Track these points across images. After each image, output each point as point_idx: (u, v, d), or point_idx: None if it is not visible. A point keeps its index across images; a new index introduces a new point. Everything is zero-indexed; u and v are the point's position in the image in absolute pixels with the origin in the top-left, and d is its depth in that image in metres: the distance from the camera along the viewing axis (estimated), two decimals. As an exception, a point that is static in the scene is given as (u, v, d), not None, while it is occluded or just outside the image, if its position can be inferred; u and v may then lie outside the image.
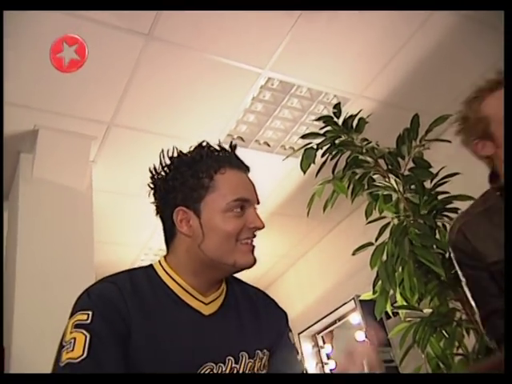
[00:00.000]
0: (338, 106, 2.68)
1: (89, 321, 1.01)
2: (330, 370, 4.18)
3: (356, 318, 3.72)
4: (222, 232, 1.11)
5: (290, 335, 1.26)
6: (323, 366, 4.20)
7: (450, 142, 2.15)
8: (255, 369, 1.15)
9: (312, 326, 4.19)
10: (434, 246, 2.31)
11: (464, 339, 2.24)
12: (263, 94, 2.98)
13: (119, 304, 1.05)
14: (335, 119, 2.64)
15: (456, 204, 2.38)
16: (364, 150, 2.55)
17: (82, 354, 0.96)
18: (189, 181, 1.14)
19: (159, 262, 1.19)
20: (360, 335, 3.67)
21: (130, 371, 1.01)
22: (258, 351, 1.16)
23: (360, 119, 2.63)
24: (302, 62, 2.80)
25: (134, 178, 3.20)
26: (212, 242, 1.12)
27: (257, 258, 1.16)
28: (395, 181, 2.50)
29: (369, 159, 2.55)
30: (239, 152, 1.22)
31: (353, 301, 3.67)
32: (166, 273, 1.16)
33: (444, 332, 2.27)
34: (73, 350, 0.97)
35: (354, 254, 2.53)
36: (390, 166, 2.54)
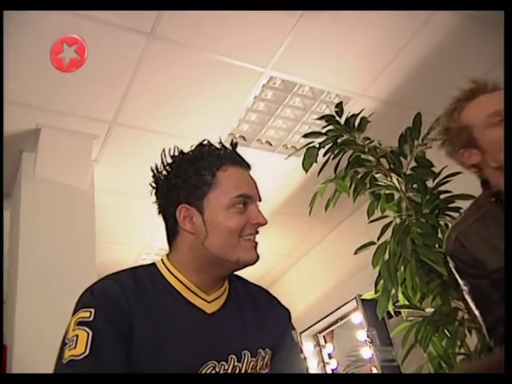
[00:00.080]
0: (340, 105, 2.68)
1: (91, 318, 1.01)
2: (332, 369, 4.18)
3: (358, 317, 3.72)
4: (225, 228, 1.12)
5: (293, 333, 1.26)
6: (325, 366, 4.20)
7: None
8: (257, 367, 1.15)
9: (313, 325, 4.19)
10: (437, 245, 2.30)
11: (466, 339, 2.24)
12: (265, 93, 2.98)
13: (122, 302, 1.05)
14: (337, 118, 2.64)
15: (458, 203, 2.37)
16: (366, 149, 2.55)
17: (85, 352, 0.96)
18: (191, 178, 1.14)
19: (162, 260, 1.19)
20: (362, 335, 3.67)
21: (132, 369, 1.01)
22: (261, 350, 1.16)
23: (362, 118, 2.63)
24: (304, 61, 2.80)
25: (136, 177, 3.20)
26: (215, 238, 1.12)
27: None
28: (397, 180, 2.50)
29: (371, 158, 2.55)
30: (241, 151, 1.22)
31: (354, 300, 3.66)
32: (169, 271, 1.16)
33: (446, 331, 2.27)
34: (75, 347, 0.97)
35: (355, 253, 2.53)
36: (392, 165, 2.54)
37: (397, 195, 2.52)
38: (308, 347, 4.27)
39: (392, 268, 2.33)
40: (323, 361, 4.22)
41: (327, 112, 2.99)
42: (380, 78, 2.99)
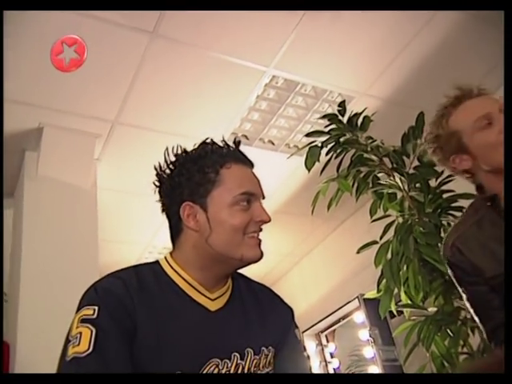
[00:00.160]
0: (342, 104, 2.68)
1: (95, 316, 1.01)
2: (334, 368, 4.17)
3: (360, 316, 3.71)
4: (229, 226, 1.12)
5: (296, 331, 1.26)
6: (327, 365, 4.19)
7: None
8: (260, 365, 1.15)
9: (316, 324, 4.18)
10: (439, 245, 2.30)
11: (469, 338, 2.24)
12: (268, 92, 2.97)
13: (126, 300, 1.05)
14: (340, 117, 2.64)
15: (461, 202, 2.37)
16: (369, 149, 2.55)
17: (88, 349, 0.97)
18: (195, 176, 1.14)
19: (165, 258, 1.19)
20: (364, 334, 3.67)
21: (135, 367, 1.01)
22: (264, 348, 1.16)
23: (365, 117, 2.63)
24: (306, 60, 2.80)
25: (139, 176, 3.20)
26: (219, 236, 1.12)
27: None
28: (400, 179, 2.50)
29: (373, 157, 2.55)
30: (243, 150, 1.23)
31: (357, 299, 3.66)
32: (173, 269, 1.16)
33: (449, 331, 2.27)
34: (79, 345, 0.97)
35: (358, 253, 2.53)
36: (394, 165, 2.54)
37: (399, 194, 2.52)
38: (310, 346, 4.26)
39: (394, 267, 2.33)
40: (325, 360, 4.22)
41: (329, 111, 2.99)
42: (382, 77, 2.98)
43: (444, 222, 2.39)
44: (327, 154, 2.59)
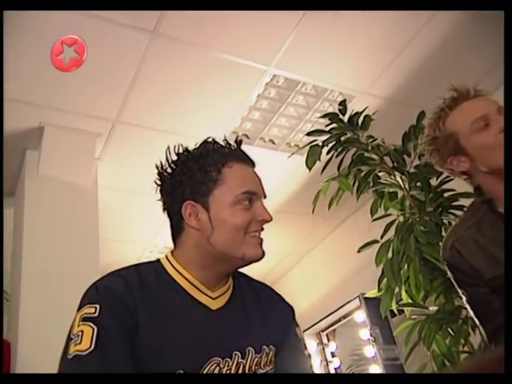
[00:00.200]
0: (343, 103, 2.68)
1: (96, 314, 1.01)
2: (335, 368, 4.18)
3: (361, 315, 3.71)
4: (231, 225, 1.12)
5: (297, 330, 1.26)
6: (327, 364, 4.20)
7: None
8: (261, 364, 1.15)
9: (316, 323, 4.18)
10: (440, 243, 2.30)
11: (470, 337, 2.24)
12: (268, 91, 2.97)
13: (127, 299, 1.05)
14: (341, 116, 2.64)
15: (462, 201, 2.37)
16: (369, 148, 2.55)
17: (90, 347, 0.97)
18: (196, 175, 1.14)
19: (166, 257, 1.19)
20: (365, 333, 3.67)
21: (137, 366, 1.01)
22: (265, 346, 1.16)
23: (365, 116, 2.63)
24: (307, 59, 2.80)
25: (139, 175, 3.20)
26: (221, 235, 1.12)
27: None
28: (401, 178, 2.50)
29: (374, 156, 2.55)
30: (244, 149, 1.23)
31: (358, 298, 3.66)
32: (174, 267, 1.16)
33: (450, 329, 2.27)
34: (80, 343, 0.98)
35: (359, 252, 2.53)
36: (395, 164, 2.54)
37: (400, 193, 2.51)
38: (311, 346, 4.26)
39: (395, 266, 2.33)
40: (326, 359, 4.22)
41: (330, 110, 2.99)
42: (383, 76, 2.98)
43: (445, 221, 2.39)
44: (328, 153, 2.59)
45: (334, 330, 4.29)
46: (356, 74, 2.96)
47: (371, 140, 2.58)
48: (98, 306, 1.02)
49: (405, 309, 2.44)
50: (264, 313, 1.21)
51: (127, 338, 1.02)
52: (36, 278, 2.61)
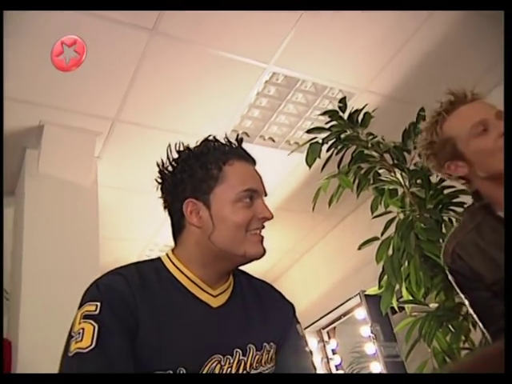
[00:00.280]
0: (343, 100, 2.68)
1: (97, 312, 1.01)
2: (335, 365, 4.18)
3: (361, 313, 3.72)
4: (232, 222, 1.12)
5: (298, 327, 1.26)
6: (328, 362, 4.20)
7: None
8: (262, 361, 1.15)
9: (317, 321, 4.19)
10: (440, 240, 2.30)
11: (470, 333, 2.23)
12: (268, 89, 2.97)
13: (128, 297, 1.05)
14: (340, 114, 2.64)
15: (462, 198, 2.37)
16: (369, 145, 2.55)
17: (91, 344, 0.97)
18: (198, 172, 1.15)
19: (167, 255, 1.19)
20: (365, 330, 3.67)
21: (138, 364, 1.01)
22: (265, 344, 1.17)
23: (365, 113, 2.62)
24: (306, 57, 2.79)
25: (139, 174, 3.20)
26: (222, 232, 1.12)
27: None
28: (401, 175, 2.50)
29: (374, 154, 2.55)
30: (244, 147, 1.23)
31: (358, 296, 3.66)
32: (175, 265, 1.16)
33: (450, 326, 2.27)
34: (81, 340, 0.98)
35: (359, 249, 2.53)
36: (395, 161, 2.54)
37: (400, 190, 2.51)
38: (311, 343, 4.27)
39: (396, 263, 2.33)
40: (327, 357, 4.23)
41: (330, 108, 2.99)
42: (383, 73, 2.98)
43: (445, 218, 2.39)
44: (328, 150, 2.59)
45: (335, 328, 4.29)
46: (356, 72, 2.96)
47: (371, 137, 2.57)
48: (98, 304, 1.02)
49: (405, 306, 2.44)
50: (264, 310, 1.22)
51: (128, 336, 1.02)
52: (36, 277, 2.62)
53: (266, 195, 1.19)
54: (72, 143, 2.93)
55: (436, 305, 2.31)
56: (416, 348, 2.33)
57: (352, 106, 2.73)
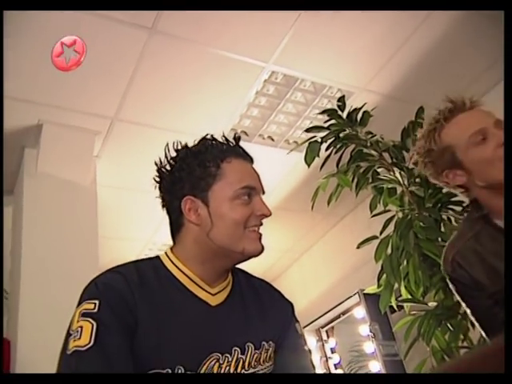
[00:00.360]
0: (342, 99, 2.68)
1: (95, 310, 1.02)
2: (334, 364, 4.18)
3: (360, 312, 3.72)
4: (231, 220, 1.12)
5: (297, 326, 1.26)
6: (327, 361, 4.20)
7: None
8: (261, 360, 1.15)
9: (316, 320, 4.19)
10: (439, 239, 2.30)
11: (469, 332, 2.24)
12: (267, 88, 2.97)
13: (127, 296, 1.05)
14: (339, 112, 2.64)
15: (461, 197, 2.36)
16: (368, 144, 2.55)
17: (89, 342, 0.97)
18: (196, 170, 1.15)
19: (166, 253, 1.20)
20: (364, 329, 3.67)
21: (136, 362, 1.01)
22: (264, 342, 1.17)
23: (364, 112, 2.63)
24: (305, 56, 2.79)
25: (138, 173, 3.20)
26: (220, 229, 1.13)
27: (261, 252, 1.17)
28: (400, 174, 2.50)
29: (373, 152, 2.55)
30: (243, 146, 1.23)
31: (357, 295, 3.66)
32: (173, 263, 1.16)
33: (449, 325, 2.27)
34: (80, 338, 0.98)
35: (358, 248, 2.53)
36: (394, 160, 2.54)
37: (399, 189, 2.52)
38: (310, 342, 4.27)
39: (395, 262, 2.33)
40: (326, 355, 4.23)
41: (329, 107, 2.98)
42: (382, 72, 2.98)
43: (444, 217, 2.39)
44: (327, 149, 2.59)
45: (334, 327, 4.29)
46: (355, 71, 2.96)
47: (370, 136, 2.58)
48: (97, 302, 1.02)
49: (404, 305, 2.44)
50: (263, 309, 1.22)
51: (126, 335, 1.02)
52: (35, 277, 2.61)
53: (263, 193, 1.20)
54: (71, 142, 2.93)
55: (435, 303, 2.32)
56: (415, 347, 2.33)
57: (351, 104, 2.73)
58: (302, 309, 4.12)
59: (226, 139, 1.21)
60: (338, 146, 2.57)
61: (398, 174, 2.50)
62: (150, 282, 1.11)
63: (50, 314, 2.40)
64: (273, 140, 3.33)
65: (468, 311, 1.43)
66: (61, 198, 2.92)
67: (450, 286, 1.46)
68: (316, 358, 4.19)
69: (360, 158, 2.54)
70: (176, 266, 1.15)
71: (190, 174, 1.15)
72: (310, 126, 2.88)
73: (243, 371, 1.11)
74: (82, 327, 0.99)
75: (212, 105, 2.96)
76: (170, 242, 1.22)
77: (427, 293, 2.34)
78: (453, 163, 1.42)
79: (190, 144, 1.21)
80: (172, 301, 1.10)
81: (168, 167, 1.19)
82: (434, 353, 2.26)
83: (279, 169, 3.52)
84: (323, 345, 4.28)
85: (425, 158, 1.48)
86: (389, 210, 2.53)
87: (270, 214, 1.16)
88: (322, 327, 4.29)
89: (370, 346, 3.60)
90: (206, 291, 1.15)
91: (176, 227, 1.19)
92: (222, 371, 1.08)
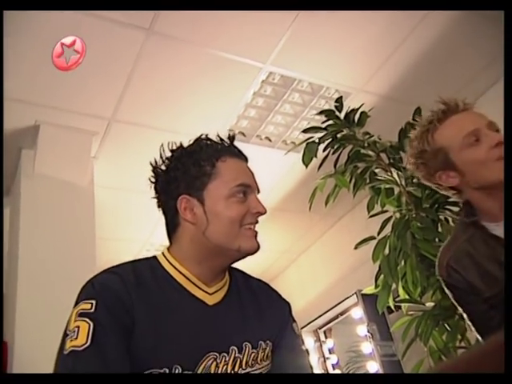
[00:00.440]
0: (339, 100, 2.68)
1: (92, 310, 1.02)
2: (332, 364, 4.18)
3: (358, 312, 3.72)
4: (226, 218, 1.13)
5: (294, 325, 1.26)
6: (325, 361, 4.20)
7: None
8: (258, 359, 1.15)
9: (314, 320, 4.19)
10: (437, 240, 2.31)
11: (467, 332, 2.24)
12: (264, 89, 2.97)
13: (123, 296, 1.05)
14: (337, 113, 2.64)
15: (458, 197, 2.37)
16: (366, 144, 2.55)
17: (86, 342, 0.97)
18: (191, 169, 1.16)
19: (162, 253, 1.20)
20: (362, 330, 3.67)
21: (133, 362, 1.01)
22: (261, 342, 1.17)
23: (362, 113, 2.63)
24: (303, 57, 2.80)
25: (136, 174, 3.19)
26: (216, 228, 1.13)
27: (258, 253, 1.17)
28: (397, 174, 2.50)
29: (371, 153, 2.55)
30: (240, 147, 1.24)
31: (355, 295, 3.66)
32: (170, 263, 1.16)
33: (446, 325, 2.27)
34: (77, 338, 0.98)
35: (356, 249, 2.53)
36: (391, 160, 2.54)
37: (397, 190, 2.52)
38: (308, 343, 4.27)
39: (392, 263, 2.33)
40: (324, 356, 4.23)
41: (326, 107, 2.99)
42: (379, 72, 2.98)
43: (441, 217, 2.40)
44: (324, 150, 2.59)
45: (331, 327, 4.29)
46: (352, 71, 2.96)
47: (367, 137, 2.58)
48: (93, 302, 1.03)
49: (402, 305, 2.44)
50: (261, 309, 1.22)
51: (123, 335, 1.02)
52: (32, 277, 2.61)
53: (258, 192, 1.20)
54: (68, 143, 2.92)
55: (432, 304, 2.32)
56: (412, 347, 2.34)
57: (348, 105, 2.73)
58: (299, 309, 4.12)
59: (221, 139, 1.21)
60: (336, 147, 2.57)
61: (395, 175, 2.50)
62: (146, 282, 1.11)
63: (47, 315, 2.39)
64: (270, 141, 3.33)
65: (464, 316, 1.43)
66: (58, 199, 2.91)
67: (446, 291, 1.45)
68: (314, 358, 4.18)
69: (357, 159, 2.54)
70: (173, 266, 1.16)
71: (185, 174, 1.16)
72: (308, 126, 2.88)
73: (240, 370, 1.11)
74: (78, 327, 0.99)
75: (209, 105, 2.96)
76: (168, 243, 1.22)
77: (425, 293, 2.34)
78: (446, 164, 1.42)
79: (186, 145, 1.21)
80: (169, 300, 1.10)
81: (163, 167, 1.20)
82: (431, 353, 2.27)
83: (277, 169, 3.52)
84: (321, 345, 4.27)
85: (418, 160, 1.48)
86: (386, 211, 2.53)
87: (266, 212, 1.17)
88: (320, 328, 4.29)
89: (367, 347, 3.61)
90: (203, 290, 1.15)
91: (172, 227, 1.19)
92: (220, 370, 1.08)
